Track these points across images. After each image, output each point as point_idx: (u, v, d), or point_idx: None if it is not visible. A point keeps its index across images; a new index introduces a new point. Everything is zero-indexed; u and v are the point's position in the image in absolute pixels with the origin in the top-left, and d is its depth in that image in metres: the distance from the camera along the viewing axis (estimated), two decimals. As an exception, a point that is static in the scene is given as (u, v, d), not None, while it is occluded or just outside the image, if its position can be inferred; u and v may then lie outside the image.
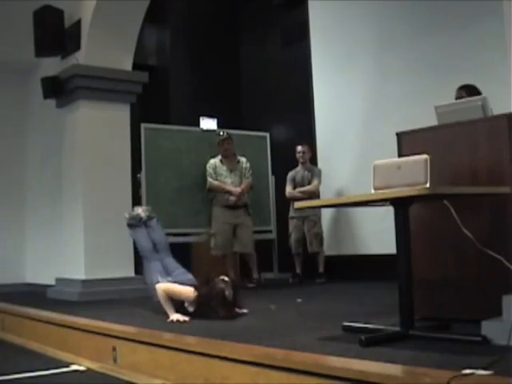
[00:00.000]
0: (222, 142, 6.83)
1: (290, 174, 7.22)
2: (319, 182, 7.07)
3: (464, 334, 2.81)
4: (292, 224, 7.14)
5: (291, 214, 7.11)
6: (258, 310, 4.63)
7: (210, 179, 6.81)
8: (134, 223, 4.94)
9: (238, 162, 6.91)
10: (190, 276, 4.60)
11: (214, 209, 6.85)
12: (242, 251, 6.86)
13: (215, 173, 6.82)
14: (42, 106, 7.32)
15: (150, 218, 4.98)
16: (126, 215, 5.02)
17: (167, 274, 4.60)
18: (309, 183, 7.07)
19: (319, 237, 7.05)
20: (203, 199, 7.13)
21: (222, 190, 6.75)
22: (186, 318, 4.04)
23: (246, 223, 6.82)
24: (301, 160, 7.15)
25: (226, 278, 4.16)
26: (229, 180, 6.78)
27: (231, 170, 6.83)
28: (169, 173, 7.08)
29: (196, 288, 4.15)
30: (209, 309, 4.06)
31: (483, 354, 2.42)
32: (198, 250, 7.92)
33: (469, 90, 5.02)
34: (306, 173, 7.12)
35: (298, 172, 7.19)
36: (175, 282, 4.34)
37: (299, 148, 7.16)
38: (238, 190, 6.72)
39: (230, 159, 6.86)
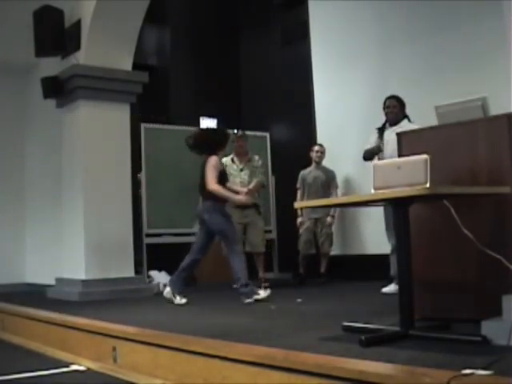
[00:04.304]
0: (237, 138, 6.80)
1: (302, 175, 7.08)
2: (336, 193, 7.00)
3: (464, 334, 2.81)
4: (303, 226, 6.98)
5: (304, 217, 6.97)
6: (258, 310, 4.64)
7: None
8: None
9: (250, 160, 6.87)
10: None
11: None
12: (252, 251, 6.81)
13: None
14: (42, 106, 7.32)
15: None
16: None
17: None
18: (321, 185, 6.93)
19: (330, 237, 6.98)
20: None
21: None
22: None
23: (255, 223, 6.79)
24: (316, 160, 7.02)
25: None
26: (238, 179, 6.76)
27: (241, 169, 6.82)
28: (169, 173, 7.08)
29: None
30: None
31: (483, 354, 2.42)
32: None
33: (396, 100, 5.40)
34: (319, 173, 6.99)
35: (310, 172, 7.04)
36: None
37: (316, 147, 7.05)
38: (244, 190, 6.71)
39: (242, 157, 6.84)
